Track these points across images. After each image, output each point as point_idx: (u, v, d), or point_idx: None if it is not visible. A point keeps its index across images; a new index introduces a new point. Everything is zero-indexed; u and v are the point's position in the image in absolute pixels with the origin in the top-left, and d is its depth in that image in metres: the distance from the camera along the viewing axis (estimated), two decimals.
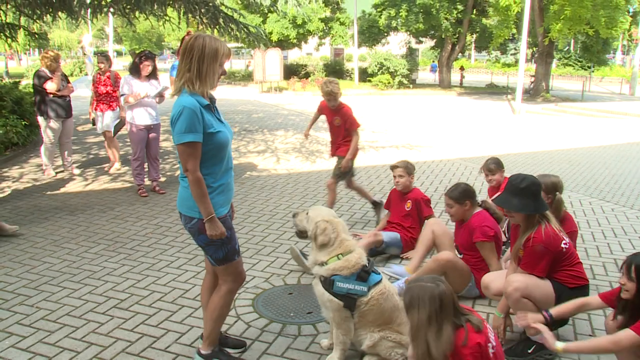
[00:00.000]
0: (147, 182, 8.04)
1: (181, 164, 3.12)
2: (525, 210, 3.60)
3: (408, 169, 5.64)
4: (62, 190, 8.14)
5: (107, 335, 3.97)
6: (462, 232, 4.65)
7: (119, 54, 60.61)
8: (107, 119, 8.99)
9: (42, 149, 8.93)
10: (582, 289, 3.69)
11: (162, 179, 8.63)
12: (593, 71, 40.31)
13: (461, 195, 4.60)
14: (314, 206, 3.85)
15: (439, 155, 11.09)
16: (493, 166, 5.60)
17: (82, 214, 6.93)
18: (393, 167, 5.73)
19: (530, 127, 16.30)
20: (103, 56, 9.32)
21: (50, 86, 8.39)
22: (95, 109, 9.09)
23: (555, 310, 3.33)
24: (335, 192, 6.53)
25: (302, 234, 3.72)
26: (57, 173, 9.03)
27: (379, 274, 3.61)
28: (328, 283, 3.46)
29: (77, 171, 9.14)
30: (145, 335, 3.96)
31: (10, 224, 6.20)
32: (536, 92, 26.74)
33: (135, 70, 7.56)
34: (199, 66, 3.10)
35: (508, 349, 3.69)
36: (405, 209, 5.59)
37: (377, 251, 5.47)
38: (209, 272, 3.59)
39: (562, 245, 3.60)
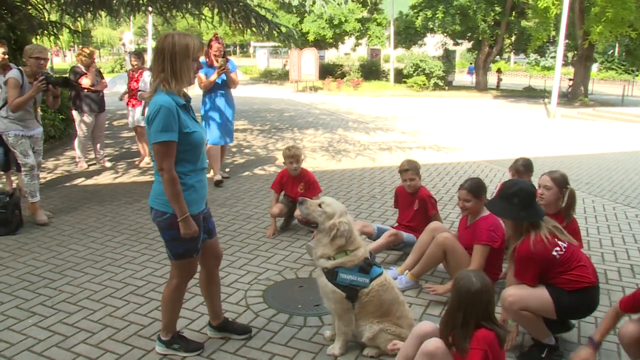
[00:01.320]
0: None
1: (156, 163, 3.17)
2: (507, 215, 3.64)
3: (417, 170, 5.57)
4: (93, 182, 8.44)
5: (122, 318, 4.16)
6: (467, 232, 4.63)
7: None
8: (138, 114, 9.26)
9: (76, 142, 9.26)
10: (585, 292, 3.56)
11: None
12: (637, 75, 39.38)
13: (480, 189, 4.57)
14: (324, 197, 3.82)
15: (466, 157, 11.08)
16: (522, 168, 5.42)
17: (109, 204, 7.19)
18: (402, 171, 5.56)
19: (564, 131, 16.10)
20: (136, 54, 9.63)
21: (85, 81, 8.71)
22: (127, 104, 9.39)
23: (599, 335, 3.31)
24: None
25: (309, 223, 3.75)
26: (89, 165, 9.35)
27: (380, 267, 3.72)
28: (331, 274, 3.57)
29: (108, 164, 9.46)
30: (157, 320, 4.12)
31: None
32: (574, 96, 26.33)
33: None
34: (172, 65, 3.14)
35: (521, 354, 3.72)
36: (414, 209, 5.62)
37: (392, 248, 5.55)
38: (203, 266, 3.70)
39: (554, 253, 3.50)
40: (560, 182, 4.60)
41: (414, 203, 5.57)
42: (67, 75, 8.99)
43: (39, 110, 6.43)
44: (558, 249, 3.51)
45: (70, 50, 57.83)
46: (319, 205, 3.65)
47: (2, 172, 7.49)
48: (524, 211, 3.55)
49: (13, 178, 7.26)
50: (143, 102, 9.18)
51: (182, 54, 3.15)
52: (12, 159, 6.71)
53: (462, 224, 4.83)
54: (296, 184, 6.25)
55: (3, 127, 6.14)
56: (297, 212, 6.07)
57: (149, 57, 18.65)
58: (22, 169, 6.22)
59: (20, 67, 6.16)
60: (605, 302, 4.61)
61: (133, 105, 9.31)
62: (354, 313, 3.63)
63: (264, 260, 5.36)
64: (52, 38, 13.48)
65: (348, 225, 3.60)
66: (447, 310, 3.00)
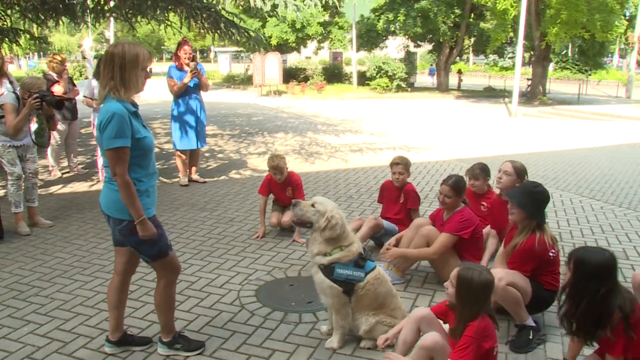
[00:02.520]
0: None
1: (109, 169, 3.23)
2: (524, 208, 3.89)
3: (407, 166, 5.80)
4: (69, 190, 8.38)
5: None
6: (442, 229, 4.81)
7: None
8: None
9: (49, 150, 9.17)
10: (552, 293, 4.01)
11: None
12: (590, 75, 40.62)
13: (462, 187, 4.81)
14: (316, 197, 3.95)
15: (436, 157, 11.35)
16: (478, 171, 5.59)
17: (89, 212, 7.17)
18: (393, 164, 5.81)
19: (526, 130, 16.57)
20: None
21: (57, 89, 8.63)
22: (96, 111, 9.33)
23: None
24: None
25: (304, 223, 3.85)
26: (63, 174, 9.26)
27: (373, 261, 3.88)
28: (328, 270, 3.70)
29: (83, 172, 9.37)
30: (154, 323, 4.17)
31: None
32: (533, 95, 27.03)
33: (98, 74, 7.87)
34: (122, 73, 3.19)
35: (510, 342, 3.90)
36: (400, 202, 5.80)
37: (374, 239, 5.74)
38: (117, 273, 3.68)
39: (550, 254, 3.91)
40: (520, 171, 5.04)
41: (399, 197, 5.77)
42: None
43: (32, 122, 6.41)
44: (553, 251, 3.94)
45: (25, 57, 56.67)
46: (312, 205, 3.77)
47: None
48: (537, 210, 3.92)
49: None
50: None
51: (132, 63, 3.21)
52: None
53: (438, 222, 4.99)
54: (284, 189, 6.36)
55: None
56: (285, 218, 6.20)
57: None
58: (9, 178, 6.20)
59: (16, 92, 6.19)
60: None
61: None
62: (351, 307, 3.77)
63: (252, 261, 5.46)
64: (12, 45, 13.28)
65: (340, 219, 3.73)
66: (462, 303, 3.13)
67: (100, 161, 8.05)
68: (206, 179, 8.99)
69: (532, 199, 3.92)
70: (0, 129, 6.10)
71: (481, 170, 5.59)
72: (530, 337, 3.87)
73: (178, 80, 8.16)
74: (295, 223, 3.96)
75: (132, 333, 3.95)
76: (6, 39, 12.69)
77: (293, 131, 15.18)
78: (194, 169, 8.86)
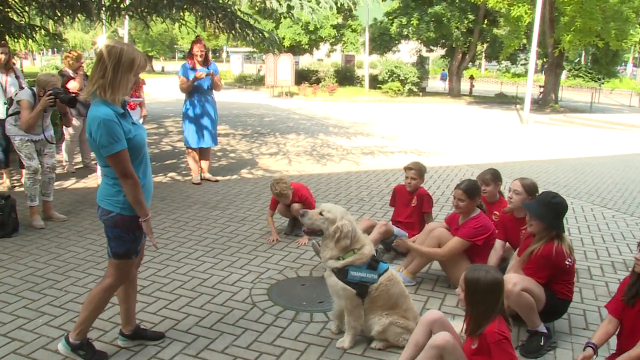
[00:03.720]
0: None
1: (117, 173, 3.21)
2: (544, 219, 3.90)
3: (421, 171, 5.76)
4: (82, 185, 8.46)
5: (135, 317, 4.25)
6: (456, 233, 4.86)
7: None
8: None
9: (63, 145, 9.25)
10: (565, 303, 4.07)
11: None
12: (603, 83, 40.40)
13: (476, 191, 4.83)
14: (323, 204, 3.96)
15: (447, 162, 11.35)
16: (489, 176, 5.45)
17: None
18: (407, 169, 5.79)
19: (538, 137, 16.54)
20: None
21: (73, 85, 8.71)
22: None
23: (598, 339, 3.42)
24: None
25: (314, 232, 3.88)
26: (77, 169, 9.34)
27: (386, 263, 3.91)
28: (342, 273, 3.74)
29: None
30: (167, 319, 4.24)
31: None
32: (545, 102, 26.94)
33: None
34: (114, 74, 3.15)
35: (521, 346, 3.91)
36: (411, 206, 5.82)
37: (385, 244, 5.74)
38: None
39: (566, 263, 3.92)
40: (530, 188, 4.83)
41: (412, 200, 5.78)
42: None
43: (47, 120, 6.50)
44: (569, 260, 3.94)
45: (40, 53, 57.07)
46: (320, 214, 3.82)
47: (1, 171, 8.00)
48: (556, 221, 3.93)
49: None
50: (137, 106, 9.27)
51: (127, 67, 3.19)
52: (11, 159, 7.01)
53: (453, 226, 5.02)
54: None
55: (12, 131, 6.34)
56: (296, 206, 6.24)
57: None
58: (26, 172, 6.29)
59: (32, 88, 6.29)
60: (590, 295, 4.91)
61: None
62: (364, 308, 3.80)
63: (264, 260, 5.50)
64: (28, 41, 13.41)
65: (351, 225, 3.76)
66: (479, 309, 3.13)
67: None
68: (218, 178, 9.04)
69: (550, 209, 3.91)
70: (18, 124, 6.20)
71: (492, 176, 5.45)
72: (542, 344, 3.88)
73: (188, 79, 8.27)
74: (306, 233, 4.00)
75: (145, 327, 3.99)
76: (23, 34, 12.82)
77: (305, 132, 15.24)
78: (206, 167, 8.92)
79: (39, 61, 57.17)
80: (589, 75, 44.73)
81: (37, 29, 13.41)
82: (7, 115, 6.43)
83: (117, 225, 3.34)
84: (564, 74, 39.83)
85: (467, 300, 3.13)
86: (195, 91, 8.41)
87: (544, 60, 31.94)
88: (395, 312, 3.83)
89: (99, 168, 8.56)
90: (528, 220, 4.03)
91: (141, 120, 9.35)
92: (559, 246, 3.87)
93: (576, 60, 46.74)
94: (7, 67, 7.60)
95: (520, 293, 3.77)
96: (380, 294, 3.77)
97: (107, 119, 3.11)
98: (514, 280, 3.80)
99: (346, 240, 3.71)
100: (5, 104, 7.02)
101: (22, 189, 6.68)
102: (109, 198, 3.33)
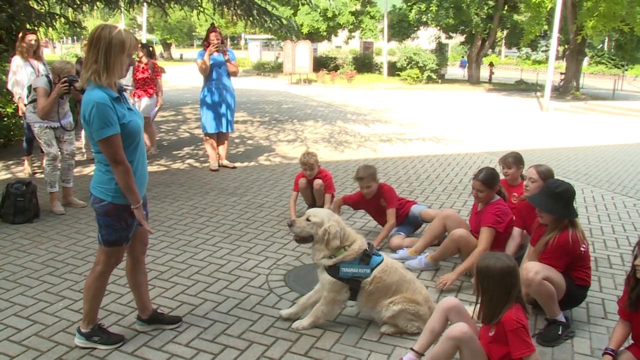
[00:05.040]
0: None
1: (108, 158, 3.19)
2: (554, 212, 3.87)
3: (372, 176, 5.63)
4: None
5: (150, 302, 4.29)
6: (476, 217, 4.88)
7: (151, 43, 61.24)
8: (143, 105, 9.37)
9: (83, 132, 9.33)
10: (584, 289, 4.04)
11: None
12: (626, 70, 39.77)
13: (494, 180, 4.78)
14: (310, 210, 4.04)
15: (466, 149, 11.27)
16: (511, 160, 5.53)
17: None
18: (358, 178, 5.65)
19: (558, 124, 16.35)
20: (144, 46, 9.81)
21: None
22: (133, 95, 9.47)
23: (615, 344, 3.37)
24: None
25: (304, 240, 3.92)
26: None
27: (380, 255, 3.94)
28: (334, 270, 3.79)
29: None
30: (185, 304, 4.28)
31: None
32: (566, 89, 26.61)
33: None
34: (106, 58, 3.13)
35: (538, 335, 3.88)
36: (381, 206, 5.76)
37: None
38: (130, 254, 3.72)
39: (582, 248, 3.89)
40: (546, 175, 4.76)
41: (379, 200, 5.75)
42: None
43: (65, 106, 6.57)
44: (584, 245, 3.92)
45: (60, 41, 57.52)
46: (307, 219, 3.88)
47: (24, 157, 8.17)
48: (567, 209, 3.88)
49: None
50: (154, 94, 9.35)
51: (118, 49, 3.15)
52: (34, 146, 7.21)
53: (473, 209, 5.06)
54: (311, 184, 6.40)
55: (32, 118, 6.43)
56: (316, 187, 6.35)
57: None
58: (46, 158, 6.37)
59: (49, 75, 6.33)
60: (609, 284, 4.86)
61: (139, 96, 9.39)
62: (343, 307, 3.93)
63: (281, 247, 5.51)
64: (48, 29, 13.51)
65: (338, 225, 3.82)
66: (490, 297, 3.11)
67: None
68: (236, 165, 9.08)
69: (557, 199, 3.86)
70: (37, 112, 6.27)
71: (514, 159, 5.52)
72: (560, 333, 3.85)
73: (209, 62, 8.31)
74: (296, 241, 4.02)
75: (162, 312, 4.03)
76: (43, 23, 12.93)
77: (323, 119, 15.22)
78: (224, 154, 8.95)
79: (59, 49, 57.66)
80: (612, 61, 44.11)
81: (57, 17, 13.49)
82: (27, 103, 6.50)
83: (109, 213, 3.33)
84: (586, 60, 39.29)
85: (479, 287, 3.12)
86: (214, 78, 8.44)
87: (566, 46, 31.46)
88: (402, 296, 3.83)
89: None
90: (538, 212, 4.01)
91: (156, 109, 9.43)
92: (574, 234, 3.84)
93: (599, 47, 46.03)
94: (37, 55, 7.74)
95: (541, 282, 3.73)
96: (376, 286, 3.80)
97: (100, 102, 3.10)
98: (536, 268, 3.76)
99: (335, 241, 3.78)
100: None
101: (43, 175, 6.77)
102: (101, 186, 3.32)
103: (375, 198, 5.75)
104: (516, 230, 4.82)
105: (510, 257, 3.19)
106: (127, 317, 4.04)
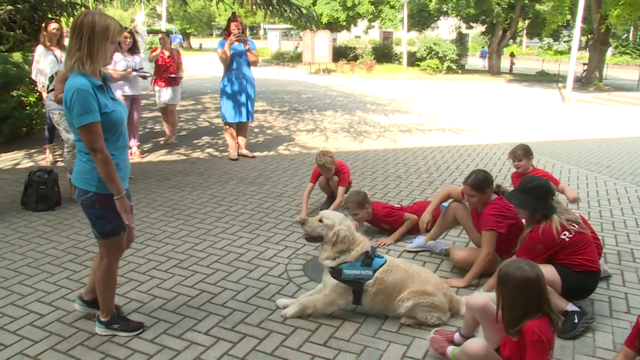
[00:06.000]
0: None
1: (87, 145, 3.14)
2: (525, 207, 3.96)
3: (358, 202, 5.56)
4: None
5: (170, 290, 4.32)
6: (477, 222, 4.82)
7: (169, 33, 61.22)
8: (165, 94, 9.40)
9: None
10: (589, 275, 3.95)
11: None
12: None
13: (484, 185, 4.65)
14: (323, 212, 4.11)
15: (486, 140, 11.16)
16: (520, 152, 5.66)
17: (141, 182, 7.34)
18: (345, 207, 5.67)
19: (580, 116, 16.12)
20: (167, 34, 9.90)
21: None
22: (155, 84, 9.50)
23: None
24: None
25: (314, 239, 3.97)
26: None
27: (382, 257, 3.96)
28: (337, 272, 3.82)
29: (133, 142, 9.48)
30: (204, 292, 4.30)
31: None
32: (588, 80, 26.21)
33: (117, 45, 8.18)
34: (90, 45, 3.09)
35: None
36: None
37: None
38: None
39: (563, 237, 3.85)
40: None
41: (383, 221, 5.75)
42: None
43: None
44: (567, 233, 3.88)
45: None
46: (320, 220, 3.94)
47: (45, 146, 8.27)
48: (539, 203, 3.92)
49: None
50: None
51: (101, 35, 3.11)
52: (56, 135, 7.29)
53: (473, 214, 4.94)
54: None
55: (52, 106, 6.51)
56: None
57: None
58: (65, 145, 6.42)
59: None
60: (633, 279, 4.78)
61: (161, 86, 9.42)
62: (369, 304, 3.89)
63: (300, 236, 5.48)
64: (69, 19, 13.60)
65: (348, 230, 3.86)
66: (508, 305, 2.99)
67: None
68: (255, 154, 9.09)
69: (530, 194, 3.93)
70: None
71: (523, 151, 5.67)
72: (576, 321, 3.78)
73: (229, 52, 8.30)
74: (307, 240, 4.04)
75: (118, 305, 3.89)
76: (64, 12, 13.01)
77: (342, 109, 15.18)
78: (243, 143, 8.97)
79: None
80: (637, 51, 43.33)
81: (78, 7, 13.57)
82: (48, 91, 6.55)
83: (96, 205, 3.28)
84: (610, 50, 38.66)
85: (498, 293, 3.03)
86: (234, 67, 8.45)
87: (589, 36, 30.99)
88: (410, 292, 3.82)
89: (132, 141, 8.71)
90: (516, 209, 4.11)
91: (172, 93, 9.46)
92: (546, 226, 3.85)
93: (623, 36, 45.28)
94: (60, 44, 7.80)
95: None
96: (379, 287, 3.82)
97: (81, 89, 3.06)
98: None
99: (342, 245, 3.84)
100: None
101: (63, 163, 6.83)
102: (83, 176, 3.27)
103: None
104: None
105: (535, 267, 3.00)
106: (147, 304, 4.07)
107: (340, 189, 6.23)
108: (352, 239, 3.86)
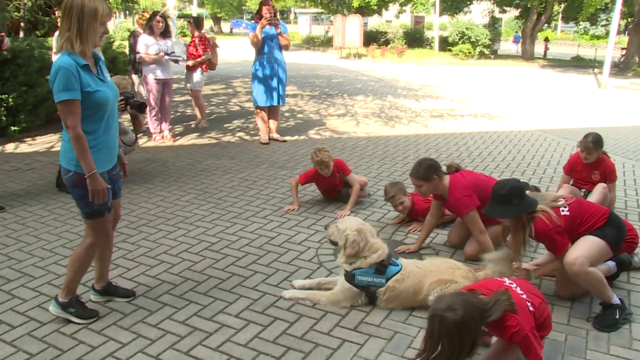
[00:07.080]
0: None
1: (63, 122, 3.19)
2: (505, 215, 3.79)
3: (402, 189, 5.44)
4: (153, 144, 8.67)
5: (201, 272, 4.35)
6: (449, 209, 4.83)
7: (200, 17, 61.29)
8: (195, 78, 9.44)
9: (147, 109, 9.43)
10: (610, 218, 3.81)
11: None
12: None
13: (427, 172, 4.56)
14: (343, 218, 4.25)
15: (519, 126, 10.96)
16: (591, 145, 5.55)
17: (172, 166, 7.40)
18: (389, 199, 5.45)
19: (616, 102, 15.73)
20: (193, 20, 9.93)
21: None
22: (186, 68, 9.53)
23: None
24: None
25: (334, 243, 4.05)
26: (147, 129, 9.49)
27: (398, 264, 3.92)
28: (350, 277, 3.85)
29: (165, 126, 9.53)
30: (235, 275, 4.31)
31: None
32: (626, 66, 25.54)
33: (150, 29, 8.36)
34: (79, 25, 3.15)
35: (595, 320, 3.72)
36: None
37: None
38: None
39: (562, 212, 3.74)
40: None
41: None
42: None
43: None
44: (563, 209, 3.78)
45: (113, 16, 58.53)
46: (337, 226, 4.02)
47: None
48: (520, 207, 3.72)
49: None
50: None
51: (90, 16, 3.16)
52: None
53: (438, 200, 4.87)
54: (332, 179, 6.07)
55: None
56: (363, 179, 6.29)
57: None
58: None
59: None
60: None
61: (190, 69, 9.46)
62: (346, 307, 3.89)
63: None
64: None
65: (359, 235, 3.86)
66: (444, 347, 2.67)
67: None
68: (286, 138, 9.08)
69: (504, 202, 3.71)
70: None
71: (594, 144, 5.56)
72: (617, 317, 3.69)
73: (261, 35, 8.29)
74: (330, 243, 4.14)
75: (116, 284, 3.97)
76: None
77: (373, 94, 15.07)
78: (274, 127, 8.96)
79: (112, 24, 58.55)
80: None
81: None
82: None
83: (76, 184, 3.31)
84: None
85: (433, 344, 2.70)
86: (265, 51, 8.43)
87: (629, 20, 30.14)
88: (428, 286, 3.81)
89: (164, 124, 8.79)
90: (500, 220, 3.96)
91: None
92: (543, 215, 3.68)
93: None
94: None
95: (587, 272, 3.57)
96: (391, 295, 3.82)
97: (64, 66, 3.12)
98: (578, 260, 3.57)
99: (350, 250, 3.85)
100: None
101: None
102: (65, 155, 3.33)
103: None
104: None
105: (463, 309, 2.64)
106: (178, 286, 4.10)
107: (352, 178, 5.98)
108: (363, 244, 3.86)
